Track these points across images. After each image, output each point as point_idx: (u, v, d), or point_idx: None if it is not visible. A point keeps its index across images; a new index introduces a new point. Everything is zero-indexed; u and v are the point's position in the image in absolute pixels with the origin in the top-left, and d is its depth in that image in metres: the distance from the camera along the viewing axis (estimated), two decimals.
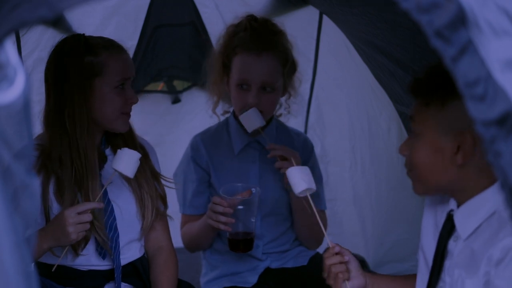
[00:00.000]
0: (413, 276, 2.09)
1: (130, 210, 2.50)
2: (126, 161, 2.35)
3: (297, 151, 2.81)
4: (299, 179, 2.29)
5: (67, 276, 2.44)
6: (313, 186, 2.31)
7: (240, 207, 2.55)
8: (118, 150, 2.38)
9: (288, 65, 2.73)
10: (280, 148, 2.61)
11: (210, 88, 2.81)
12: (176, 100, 3.77)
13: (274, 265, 2.82)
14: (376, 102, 3.35)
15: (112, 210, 2.46)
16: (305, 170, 2.37)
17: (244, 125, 2.65)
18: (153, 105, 3.70)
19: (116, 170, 2.36)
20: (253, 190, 2.58)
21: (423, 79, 1.84)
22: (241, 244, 2.59)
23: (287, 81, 2.76)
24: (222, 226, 2.55)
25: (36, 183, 1.30)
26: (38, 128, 2.43)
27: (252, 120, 2.63)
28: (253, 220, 2.59)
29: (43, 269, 2.43)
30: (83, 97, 2.36)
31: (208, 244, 2.83)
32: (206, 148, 2.80)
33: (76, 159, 2.37)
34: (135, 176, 2.45)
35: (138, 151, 2.49)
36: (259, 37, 2.67)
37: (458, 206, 1.85)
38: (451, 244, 1.87)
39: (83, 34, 2.47)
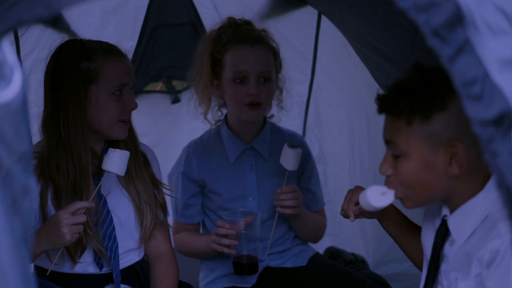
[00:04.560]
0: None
1: (129, 219, 2.47)
2: (115, 161, 2.33)
3: None
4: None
5: (66, 278, 2.43)
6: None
7: (242, 231, 2.58)
8: (108, 152, 2.36)
9: (278, 59, 2.75)
10: (288, 198, 2.62)
11: (201, 93, 2.78)
12: (175, 100, 3.77)
13: (274, 263, 2.82)
14: (374, 100, 3.35)
15: (111, 220, 2.43)
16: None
17: (283, 159, 2.64)
18: (153, 106, 3.70)
19: (107, 171, 2.34)
20: (257, 213, 2.62)
21: (399, 97, 1.77)
22: (246, 268, 2.61)
23: (277, 76, 2.76)
24: (226, 250, 2.58)
25: (34, 183, 1.30)
26: (35, 128, 2.41)
27: (292, 160, 2.63)
28: (256, 243, 2.62)
29: (42, 272, 2.41)
30: (78, 103, 2.32)
31: (204, 258, 2.86)
32: (199, 161, 2.79)
33: (70, 167, 2.33)
34: (134, 184, 2.44)
35: (139, 158, 2.47)
36: (249, 31, 2.70)
37: (451, 211, 1.85)
38: (447, 248, 1.87)
39: (80, 39, 2.43)
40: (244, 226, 2.58)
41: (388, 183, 1.86)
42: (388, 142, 1.82)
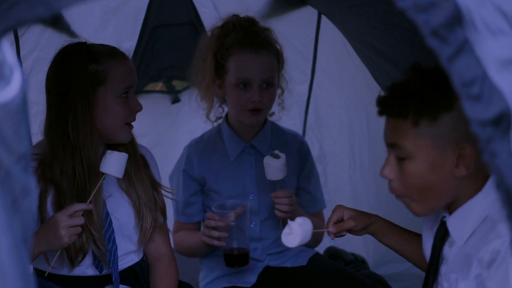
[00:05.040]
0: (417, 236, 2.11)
1: (128, 222, 2.46)
2: (112, 162, 2.31)
3: (293, 153, 2.81)
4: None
5: (65, 279, 2.43)
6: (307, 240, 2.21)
7: (232, 222, 2.56)
8: (106, 154, 2.35)
9: (282, 61, 2.74)
10: (284, 203, 2.61)
11: (203, 93, 2.77)
12: (175, 100, 3.77)
13: (273, 263, 2.82)
14: (375, 102, 3.34)
15: (111, 222, 2.43)
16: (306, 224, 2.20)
17: (266, 171, 2.62)
18: (153, 105, 3.70)
19: (105, 174, 2.33)
20: (246, 204, 2.59)
21: (404, 97, 1.74)
22: (237, 259, 2.60)
23: (280, 76, 2.76)
24: (216, 242, 2.56)
25: (34, 184, 1.30)
26: (35, 128, 2.41)
27: (276, 171, 2.60)
28: (246, 234, 2.60)
29: (40, 273, 2.40)
30: (87, 106, 2.31)
31: (202, 256, 2.86)
32: (200, 159, 2.79)
33: (79, 169, 2.32)
34: (134, 187, 2.44)
35: (138, 161, 2.46)
36: (253, 34, 2.66)
37: (450, 212, 1.84)
38: (446, 249, 1.86)
39: (85, 41, 2.42)
40: (234, 218, 2.56)
41: (391, 188, 1.83)
42: (391, 145, 1.79)
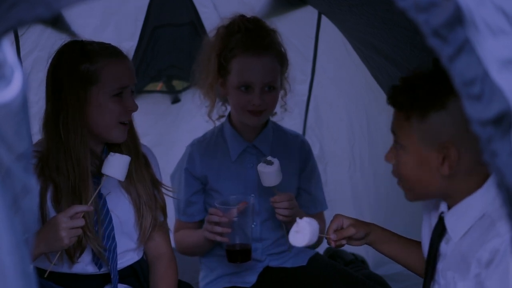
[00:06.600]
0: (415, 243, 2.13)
1: (128, 220, 2.46)
2: (115, 165, 2.31)
3: (294, 153, 2.81)
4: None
5: (65, 278, 2.43)
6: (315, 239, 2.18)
7: (235, 218, 2.55)
8: (109, 155, 2.35)
9: (285, 64, 2.74)
10: (284, 207, 2.60)
11: (206, 92, 2.77)
12: (175, 100, 3.78)
13: (273, 264, 2.82)
14: (375, 102, 3.35)
15: (111, 219, 2.43)
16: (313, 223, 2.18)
17: (261, 178, 2.62)
18: (153, 105, 3.71)
19: (107, 175, 2.33)
20: (249, 200, 2.59)
21: (401, 91, 1.83)
22: (239, 255, 2.60)
23: (283, 78, 2.76)
24: (218, 238, 2.55)
25: (34, 182, 1.30)
26: (36, 128, 2.41)
27: (270, 177, 2.60)
28: (249, 230, 2.60)
29: (41, 272, 2.40)
30: (78, 105, 2.31)
31: (203, 254, 2.85)
32: (202, 158, 2.79)
33: (70, 167, 2.33)
34: (134, 185, 2.43)
35: (140, 160, 2.47)
36: (257, 37, 2.65)
37: (449, 208, 1.85)
38: (443, 246, 1.88)
39: (81, 40, 2.41)
40: (237, 214, 2.55)
41: (392, 172, 1.91)
42: (392, 132, 1.88)
